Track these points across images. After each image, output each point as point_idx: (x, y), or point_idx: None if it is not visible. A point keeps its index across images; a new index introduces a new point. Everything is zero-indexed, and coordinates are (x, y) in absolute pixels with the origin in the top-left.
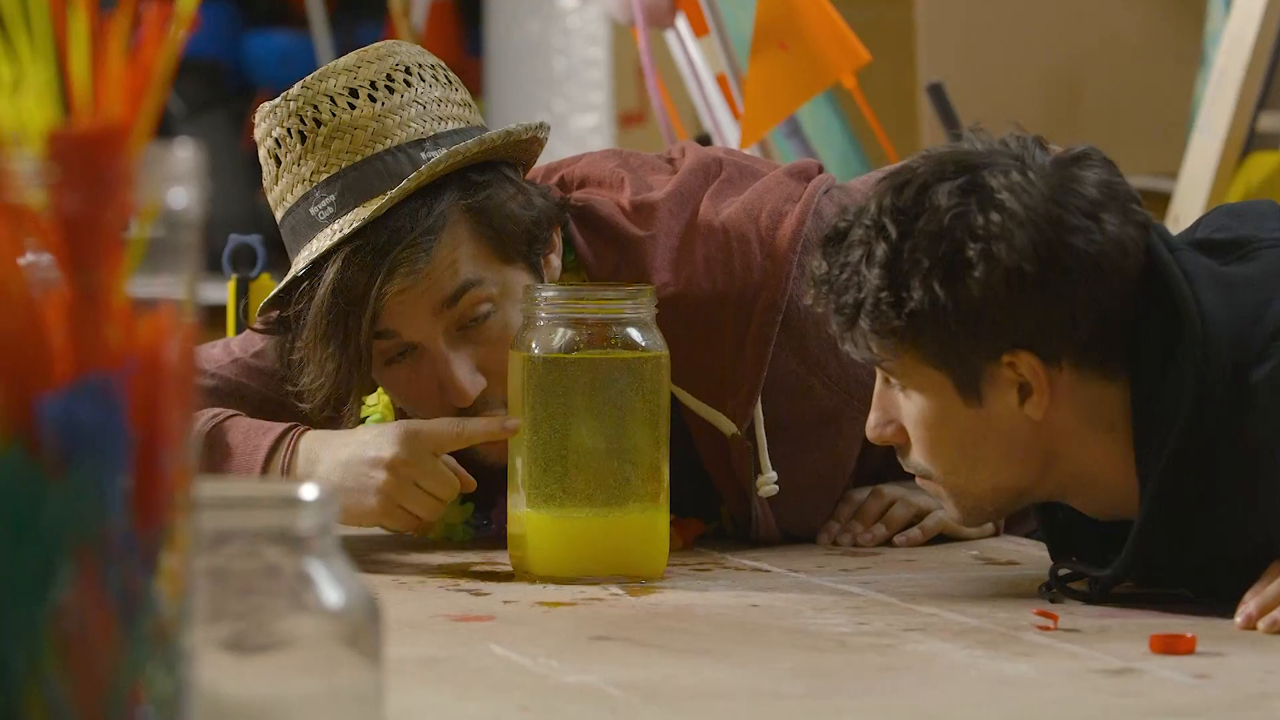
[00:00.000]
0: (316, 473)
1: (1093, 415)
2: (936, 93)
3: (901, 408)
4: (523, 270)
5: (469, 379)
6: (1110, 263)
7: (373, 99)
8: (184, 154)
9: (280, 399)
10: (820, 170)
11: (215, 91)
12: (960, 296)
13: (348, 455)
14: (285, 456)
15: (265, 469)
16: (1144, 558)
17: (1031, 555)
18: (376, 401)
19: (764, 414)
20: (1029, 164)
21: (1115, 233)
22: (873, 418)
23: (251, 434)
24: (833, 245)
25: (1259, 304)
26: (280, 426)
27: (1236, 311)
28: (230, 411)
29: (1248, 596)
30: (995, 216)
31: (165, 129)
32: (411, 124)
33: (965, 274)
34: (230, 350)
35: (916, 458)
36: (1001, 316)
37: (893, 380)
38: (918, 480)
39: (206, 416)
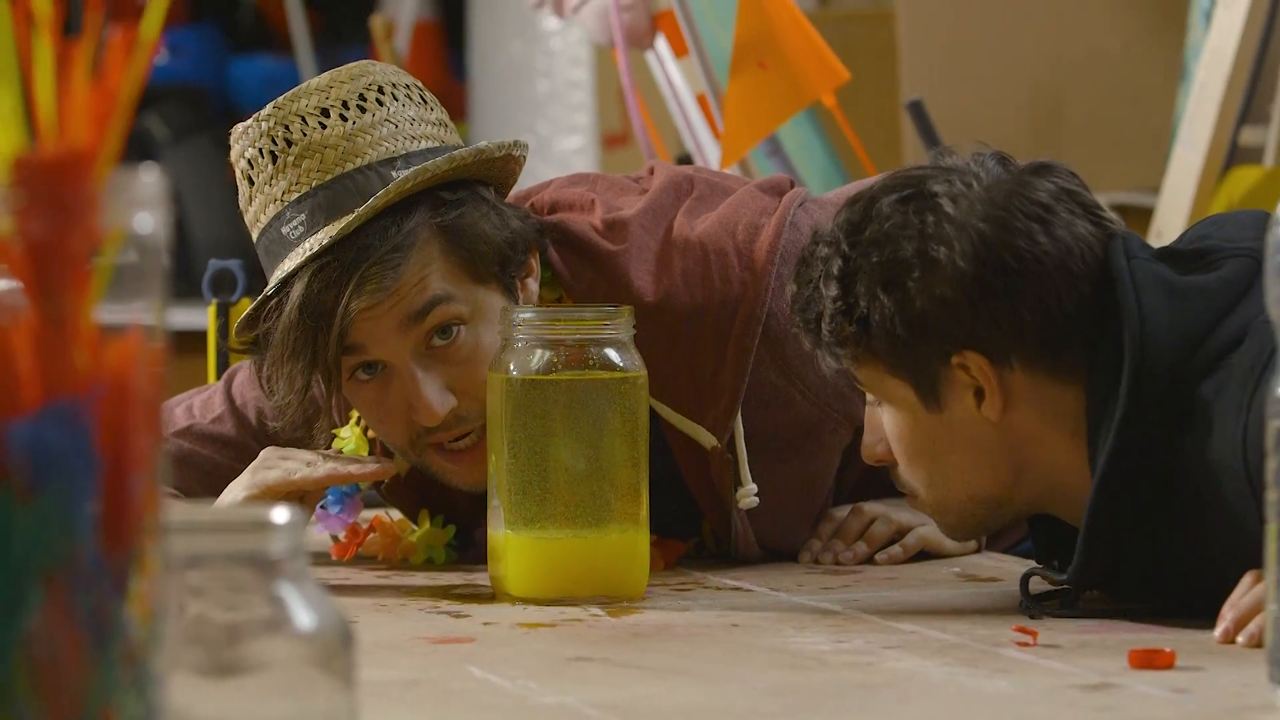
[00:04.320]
0: None
1: (1053, 418)
2: (916, 110)
3: (883, 424)
4: (496, 292)
5: (438, 398)
6: (1055, 264)
7: (344, 118)
8: (150, 179)
9: (233, 466)
10: (792, 185)
11: (199, 117)
12: (902, 300)
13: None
14: None
15: None
16: (1093, 562)
17: (1013, 571)
18: (350, 435)
19: (744, 426)
20: (980, 175)
21: (1063, 235)
22: (865, 438)
23: None
24: (801, 267)
25: (1212, 316)
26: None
27: (1183, 321)
28: None
29: (1225, 610)
30: (931, 218)
31: (149, 154)
32: (383, 143)
33: (905, 277)
34: (191, 413)
35: (903, 474)
36: (945, 317)
37: (870, 398)
38: (907, 499)
39: None
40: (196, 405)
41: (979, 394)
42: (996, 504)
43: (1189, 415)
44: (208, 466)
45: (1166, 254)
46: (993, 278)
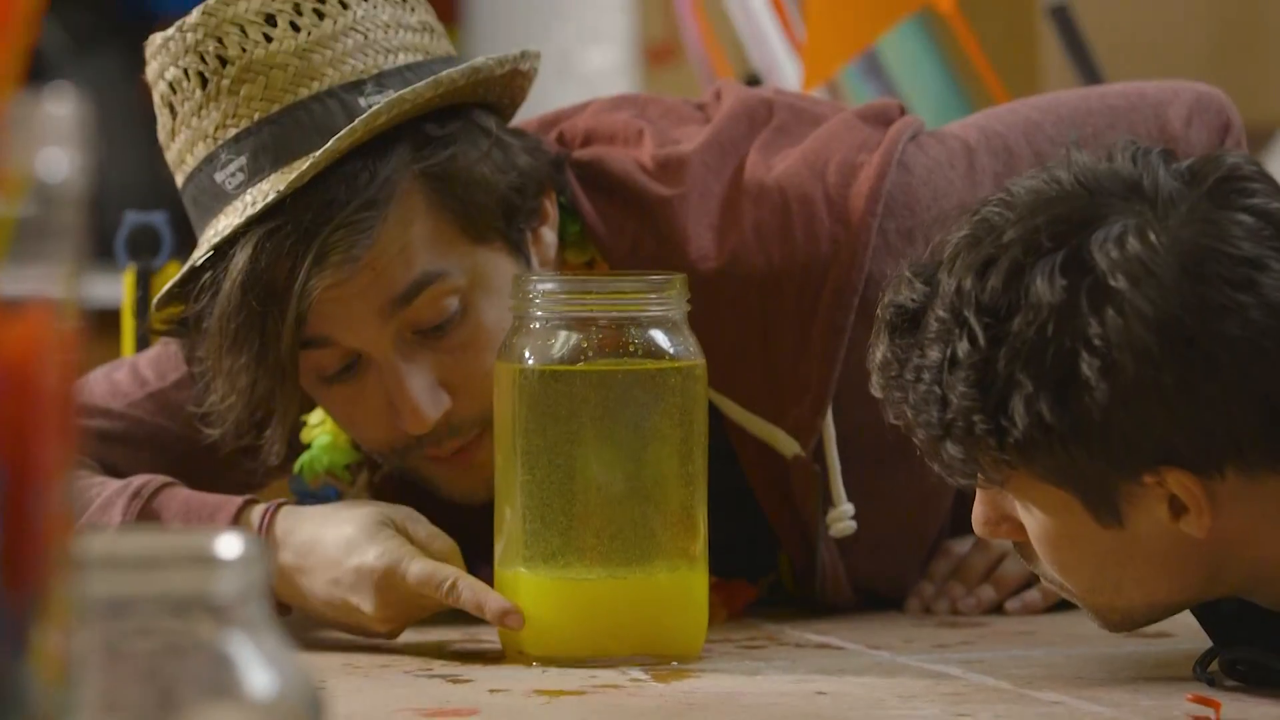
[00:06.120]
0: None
1: (1272, 512)
2: (1061, 18)
3: (1019, 512)
4: (500, 251)
5: (428, 399)
6: (1273, 338)
7: (296, 28)
8: (63, 107)
9: (196, 439)
10: (903, 112)
11: (106, 20)
12: (1077, 419)
13: (327, 585)
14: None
15: None
16: None
17: (1186, 623)
18: (321, 420)
19: (836, 428)
20: (1156, 207)
21: (1277, 296)
22: (979, 512)
23: (194, 513)
24: (902, 332)
25: None
26: (234, 503)
27: None
28: (161, 479)
29: None
30: (1113, 318)
31: (40, 71)
32: (348, 59)
33: (1082, 394)
34: (141, 377)
35: (1049, 574)
36: (1135, 434)
37: None
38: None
39: (127, 492)
40: (146, 364)
41: (1174, 504)
42: (1178, 608)
43: None
44: (179, 450)
45: None
46: (1198, 379)
